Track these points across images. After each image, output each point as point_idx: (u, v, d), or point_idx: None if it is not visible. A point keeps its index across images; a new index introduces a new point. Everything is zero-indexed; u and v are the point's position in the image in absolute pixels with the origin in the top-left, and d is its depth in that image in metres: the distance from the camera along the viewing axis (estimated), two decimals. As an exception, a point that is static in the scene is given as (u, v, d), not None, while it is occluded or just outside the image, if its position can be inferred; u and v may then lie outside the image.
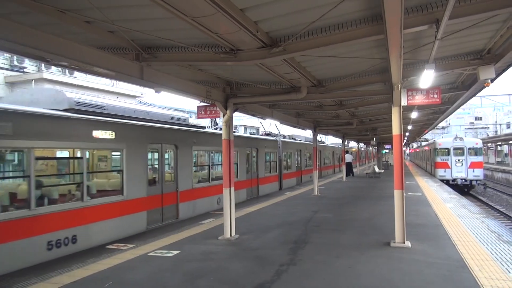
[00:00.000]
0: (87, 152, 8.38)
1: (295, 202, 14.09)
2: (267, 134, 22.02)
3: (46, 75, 22.18)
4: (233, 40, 5.58)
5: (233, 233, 8.47)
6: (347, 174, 26.78)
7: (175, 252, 7.21)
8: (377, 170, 27.87)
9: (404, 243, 7.32)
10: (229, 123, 8.58)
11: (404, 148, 70.93)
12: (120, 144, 9.11)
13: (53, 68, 22.07)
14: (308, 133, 27.04)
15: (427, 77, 7.03)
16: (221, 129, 11.47)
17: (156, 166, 10.45)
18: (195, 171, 12.04)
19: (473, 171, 25.39)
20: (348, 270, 6.00)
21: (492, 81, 7.83)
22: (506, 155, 65.54)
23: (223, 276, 5.84)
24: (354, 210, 12.04)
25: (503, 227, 8.98)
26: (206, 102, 8.95)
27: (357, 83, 8.60)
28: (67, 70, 22.92)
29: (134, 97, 26.40)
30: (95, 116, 8.57)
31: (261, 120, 19.63)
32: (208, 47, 5.99)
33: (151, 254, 7.13)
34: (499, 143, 54.96)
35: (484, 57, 7.31)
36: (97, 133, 8.49)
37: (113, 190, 8.98)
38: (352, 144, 46.31)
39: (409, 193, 15.51)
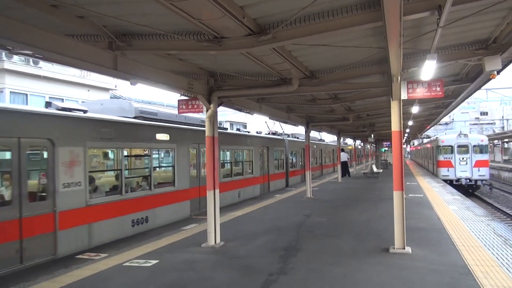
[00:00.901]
0: (153, 151, 11.45)
1: (286, 205, 14.18)
2: (274, 134, 24.74)
3: (7, 65, 21.81)
4: (217, 27, 5.56)
5: (218, 240, 8.49)
6: (343, 174, 26.91)
7: (154, 261, 7.18)
8: (375, 169, 28.16)
9: (404, 248, 7.39)
10: (213, 118, 8.57)
11: (404, 146, 71.67)
12: (172, 145, 12.12)
13: (15, 58, 21.70)
14: (312, 133, 29.79)
15: (428, 69, 7.11)
16: (238, 129, 13.67)
17: (194, 162, 13.35)
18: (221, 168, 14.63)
19: (478, 170, 25.72)
20: (344, 279, 6.04)
21: (498, 72, 7.92)
22: (513, 152, 66.97)
23: (206, 287, 5.81)
24: (350, 213, 12.15)
25: (510, 230, 9.15)
26: (187, 96, 8.95)
27: (353, 74, 8.66)
28: (31, 60, 22.55)
29: (107, 90, 26.13)
30: (153, 122, 11.48)
31: (266, 120, 22.47)
32: (189, 34, 5.95)
33: (127, 264, 7.09)
34: (506, 139, 56.00)
35: (490, 47, 7.40)
36: (159, 136, 11.57)
37: (167, 183, 12.01)
38: (349, 141, 46.68)
39: (409, 195, 15.72)
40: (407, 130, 30.05)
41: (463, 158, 26.12)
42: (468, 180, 25.79)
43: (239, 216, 12.10)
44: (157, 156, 12.05)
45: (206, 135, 8.53)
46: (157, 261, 7.22)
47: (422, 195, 15.90)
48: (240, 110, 12.34)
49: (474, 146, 26.18)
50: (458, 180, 25.80)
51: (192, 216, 12.70)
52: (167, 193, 11.84)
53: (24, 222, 7.39)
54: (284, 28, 5.73)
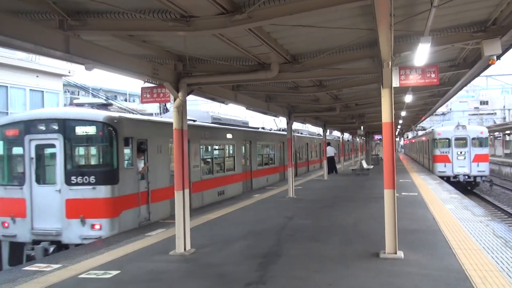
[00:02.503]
0: (226, 146, 17.78)
1: (266, 206, 14.31)
2: (283, 130, 29.03)
3: None
4: (185, 4, 5.54)
5: (188, 247, 8.50)
6: (329, 171, 27.12)
7: (114, 272, 7.13)
8: (365, 165, 28.53)
9: (395, 253, 7.49)
10: (181, 108, 8.54)
11: (397, 139, 72.53)
12: (234, 141, 18.38)
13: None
14: (315, 129, 38.42)
15: (422, 53, 7.22)
16: (279, 128, 19.94)
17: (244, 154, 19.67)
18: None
19: (478, 165, 26.35)
20: (330, 287, 6.10)
21: (498, 57, 8.03)
22: (515, 146, 68.73)
23: (175, 300, 5.81)
24: (337, 214, 12.32)
25: (510, 231, 9.37)
26: (152, 83, 8.86)
27: (340, 59, 8.74)
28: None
29: (59, 75, 25.59)
30: (221, 125, 17.99)
31: (274, 117, 29.98)
32: (154, 12, 5.91)
33: (83, 276, 7.02)
34: (508, 131, 57.44)
35: (489, 29, 7.52)
36: (227, 135, 17.91)
37: (230, 169, 17.98)
38: (336, 134, 47.04)
39: (402, 193, 16.02)
40: (400, 122, 30.43)
41: (461, 152, 26.71)
42: (466, 177, 26.41)
43: (213, 219, 12.13)
44: (225, 149, 18.08)
45: (174, 127, 8.48)
46: (118, 271, 7.17)
47: (416, 194, 16.19)
48: (213, 99, 12.38)
49: (473, 138, 26.79)
50: (455, 176, 26.41)
51: (243, 192, 18.95)
52: (231, 175, 18.06)
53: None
54: (261, 7, 5.73)
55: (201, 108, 46.49)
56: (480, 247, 7.91)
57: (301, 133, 33.41)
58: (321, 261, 7.37)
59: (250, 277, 6.64)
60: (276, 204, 14.73)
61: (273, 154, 24.47)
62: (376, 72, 8.98)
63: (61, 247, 10.15)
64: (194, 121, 15.38)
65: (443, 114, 77.91)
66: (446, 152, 26.98)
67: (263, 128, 26.45)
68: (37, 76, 24.43)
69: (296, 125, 35.19)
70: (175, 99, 8.54)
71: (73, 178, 10.44)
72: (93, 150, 11.49)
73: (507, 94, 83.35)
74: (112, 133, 10.71)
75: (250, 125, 23.87)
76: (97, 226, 10.30)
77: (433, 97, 17.78)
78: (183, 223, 8.45)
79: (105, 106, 13.87)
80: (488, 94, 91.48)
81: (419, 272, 6.60)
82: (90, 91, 35.44)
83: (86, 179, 10.41)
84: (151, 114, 26.71)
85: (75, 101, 16.07)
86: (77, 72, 28.23)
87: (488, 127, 41.27)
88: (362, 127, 28.87)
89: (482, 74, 12.80)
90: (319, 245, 8.59)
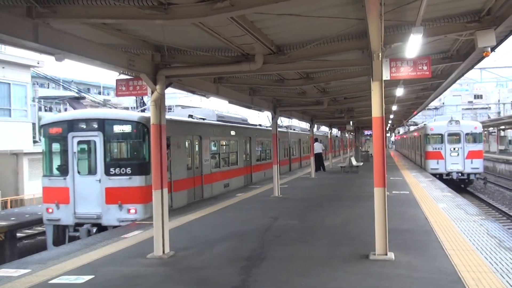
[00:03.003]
0: (230, 142, 20.08)
1: (249, 207, 14.31)
2: (279, 127, 33.11)
3: None
4: (162, -10, 5.46)
5: (167, 249, 8.47)
6: (317, 169, 27.22)
7: (87, 277, 7.08)
8: (354, 163, 28.73)
9: (386, 254, 7.57)
10: (159, 102, 8.50)
11: (388, 134, 73.14)
12: (236, 138, 20.58)
13: None
14: (305, 125, 39.52)
15: (414, 44, 7.31)
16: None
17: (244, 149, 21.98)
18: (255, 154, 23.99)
19: (471, 162, 26.74)
20: (316, 291, 6.10)
21: (492, 49, 8.13)
22: (510, 142, 70.09)
23: (153, 306, 5.80)
24: (324, 214, 12.40)
25: (505, 230, 9.53)
26: (128, 75, 8.83)
27: (328, 50, 8.75)
28: None
29: (27, 66, 25.21)
30: (224, 122, 20.12)
31: (266, 114, 32.22)
32: (129, -1, 5.78)
33: (54, 281, 6.95)
34: (503, 126, 58.39)
35: (483, 20, 7.60)
36: (231, 132, 19.97)
37: (234, 163, 20.20)
38: (325, 129, 47.24)
39: (393, 192, 16.20)
40: (391, 116, 30.74)
41: (454, 149, 27.06)
42: (459, 174, 26.77)
43: (193, 220, 12.13)
44: (230, 145, 20.37)
45: (152, 122, 8.46)
46: (92, 276, 7.12)
47: (407, 192, 16.37)
48: (193, 92, 12.36)
49: (467, 134, 27.19)
50: (448, 174, 26.75)
51: (245, 185, 21.29)
52: (235, 169, 20.36)
53: (194, 179, 16.01)
54: (245, -7, 5.65)
55: (181, 102, 46.45)
56: (474, 247, 8.02)
57: (294, 129, 35.13)
58: (307, 264, 7.41)
59: (232, 282, 6.65)
60: (260, 204, 14.74)
61: (270, 150, 25.80)
62: (365, 64, 9.00)
63: (101, 229, 12.41)
64: (203, 119, 18.72)
65: (436, 108, 78.76)
66: (438, 149, 27.31)
67: (260, 125, 28.91)
68: (3, 67, 24.06)
69: (288, 121, 39.50)
70: (152, 92, 8.47)
71: (111, 169, 12.88)
72: (128, 146, 13.81)
73: (501, 88, 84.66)
74: (144, 130, 12.95)
75: (248, 122, 26.53)
76: (132, 211, 12.66)
77: (425, 90, 17.88)
78: (161, 224, 8.42)
79: (77, 99, 13.90)
80: (482, 87, 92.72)
81: (410, 274, 6.68)
82: (61, 83, 35.00)
83: (123, 170, 12.78)
84: (127, 108, 30.31)
85: (40, 95, 16.51)
86: (47, 63, 27.88)
87: (482, 122, 41.78)
88: (351, 122, 29.00)
89: (476, 66, 12.90)
90: (306, 247, 8.62)
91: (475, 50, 9.12)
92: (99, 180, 12.90)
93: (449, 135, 27.40)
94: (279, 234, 9.89)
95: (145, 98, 28.68)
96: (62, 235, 13.11)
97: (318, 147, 29.03)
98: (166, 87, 8.84)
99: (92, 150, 13.25)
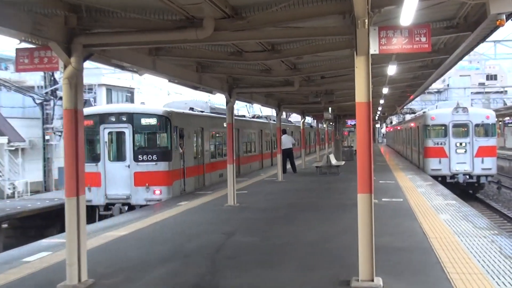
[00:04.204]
0: (223, 134, 24.02)
1: (197, 218, 14.12)
2: (266, 118, 38.42)
3: None
4: None
5: (85, 276, 8.01)
6: (285, 170, 26.40)
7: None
8: (333, 161, 27.83)
9: (372, 280, 7.33)
10: (74, 80, 8.04)
11: (377, 125, 72.58)
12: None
13: None
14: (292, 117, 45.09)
15: (410, 7, 6.94)
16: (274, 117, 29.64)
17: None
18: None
19: (482, 161, 25.95)
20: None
21: (508, 18, 8.33)
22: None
23: None
24: (295, 229, 12.12)
25: (523, 249, 9.38)
26: (32, 43, 8.38)
27: (299, 14, 8.53)
28: None
29: None
30: (217, 114, 25.62)
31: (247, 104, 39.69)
32: None
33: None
34: (522, 116, 57.34)
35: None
36: (224, 124, 20.24)
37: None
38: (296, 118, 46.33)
39: (383, 199, 15.88)
40: (381, 102, 30.44)
41: (460, 144, 26.31)
42: (467, 177, 25.98)
43: (122, 236, 11.79)
44: (223, 136, 24.37)
45: (64, 107, 8.15)
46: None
47: (401, 199, 16.12)
48: (121, 68, 11.96)
49: (477, 125, 26.35)
50: (453, 176, 26.00)
51: (261, 168, 30.84)
52: (225, 160, 22.30)
53: (198, 167, 21.32)
54: None
55: (106, 81, 43.51)
56: (483, 270, 7.84)
57: (274, 120, 35.77)
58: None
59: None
60: (210, 215, 14.56)
61: (255, 142, 31.77)
62: (348, 33, 8.75)
63: (130, 208, 17.30)
64: (202, 111, 24.27)
65: (439, 92, 78.21)
66: (441, 144, 26.61)
67: (243, 116, 34.97)
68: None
69: (269, 112, 41.25)
70: (65, 67, 7.98)
71: (139, 156, 17.72)
72: (154, 136, 18.84)
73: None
74: (167, 123, 18.31)
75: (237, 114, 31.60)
76: (157, 192, 17.64)
77: (424, 68, 17.63)
78: (77, 243, 7.90)
79: None
80: (497, 65, 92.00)
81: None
82: None
83: (149, 157, 17.56)
84: (32, 87, 33.90)
85: None
86: None
87: (496, 110, 41.24)
88: (330, 109, 28.38)
89: (489, 39, 12.90)
90: (271, 272, 8.38)
91: (486, 17, 9.00)
92: (128, 166, 17.79)
93: (455, 126, 26.65)
94: (235, 255, 9.63)
95: (57, 75, 28.85)
96: (93, 214, 17.39)
97: (286, 141, 27.88)
98: (85, 60, 8.48)
99: (121, 139, 18.14)
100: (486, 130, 26.39)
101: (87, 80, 7.89)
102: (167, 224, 13.28)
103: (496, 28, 9.95)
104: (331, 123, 44.72)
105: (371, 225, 7.32)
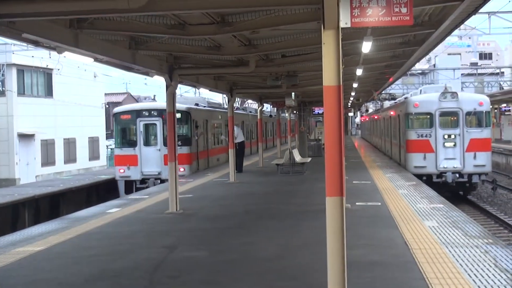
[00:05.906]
0: (219, 125, 37.06)
1: (130, 230, 13.32)
2: (243, 109, 49.26)
3: None
4: None
5: None
6: (239, 168, 25.65)
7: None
8: (297, 158, 27.05)
9: None
10: None
11: (350, 114, 69.34)
12: (221, 121, 36.30)
13: None
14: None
15: None
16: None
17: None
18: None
19: (475, 157, 24.67)
20: None
21: None
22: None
23: None
24: (250, 241, 11.72)
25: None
26: None
27: None
28: None
29: None
30: (212, 108, 39.14)
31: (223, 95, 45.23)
32: None
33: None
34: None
35: None
36: (219, 116, 35.84)
37: (221, 142, 36.88)
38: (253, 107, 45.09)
39: (357, 203, 15.54)
40: (355, 86, 29.10)
41: (449, 136, 25.14)
42: (457, 175, 24.79)
43: (36, 252, 11.01)
44: (219, 127, 35.34)
45: None
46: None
47: (379, 203, 15.71)
48: (35, 43, 11.19)
49: (468, 113, 25.24)
50: (441, 175, 24.89)
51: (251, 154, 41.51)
52: (220, 147, 33.90)
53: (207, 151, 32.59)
54: None
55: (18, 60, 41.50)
56: (475, 286, 7.61)
57: (251, 112, 48.36)
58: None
59: None
60: (147, 226, 13.78)
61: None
62: (314, 2, 8.33)
63: (161, 181, 24.89)
64: (204, 106, 33.94)
65: (423, 73, 75.68)
66: (426, 136, 25.25)
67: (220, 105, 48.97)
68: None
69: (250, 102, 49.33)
70: None
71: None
72: (178, 126, 23.54)
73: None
74: (188, 116, 26.94)
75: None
76: (182, 169, 24.17)
77: (406, 45, 16.97)
78: None
79: None
80: (492, 41, 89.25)
81: None
82: None
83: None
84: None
85: None
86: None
87: (490, 95, 40.13)
88: (293, 94, 27.37)
89: (482, 9, 12.63)
90: None
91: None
92: (159, 150, 25.34)
93: (442, 114, 25.44)
94: (178, 274, 9.11)
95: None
96: (131, 187, 25.56)
97: (240, 134, 27.81)
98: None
99: (153, 130, 26.45)
100: (479, 119, 25.26)
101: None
102: (93, 235, 12.20)
103: (490, -4, 10.19)
104: (294, 112, 41.95)
105: (343, 235, 6.80)
